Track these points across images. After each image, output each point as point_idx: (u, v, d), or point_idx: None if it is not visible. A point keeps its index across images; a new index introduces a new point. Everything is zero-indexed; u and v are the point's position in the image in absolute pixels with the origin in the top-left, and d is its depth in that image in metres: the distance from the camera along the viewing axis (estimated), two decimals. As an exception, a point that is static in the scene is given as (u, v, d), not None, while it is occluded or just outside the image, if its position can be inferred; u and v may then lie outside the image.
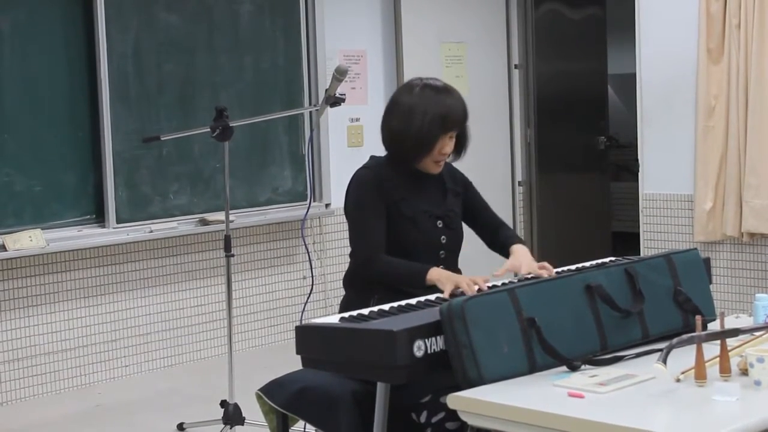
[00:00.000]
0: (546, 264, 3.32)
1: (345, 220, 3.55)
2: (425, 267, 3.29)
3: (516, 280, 3.20)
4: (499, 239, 3.61)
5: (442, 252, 3.47)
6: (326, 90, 4.44)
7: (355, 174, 3.51)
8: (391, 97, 3.58)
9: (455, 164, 3.65)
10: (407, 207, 3.42)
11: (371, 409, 2.93)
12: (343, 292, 3.55)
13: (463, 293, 3.00)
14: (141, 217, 5.70)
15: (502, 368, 2.58)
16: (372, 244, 3.37)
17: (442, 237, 3.48)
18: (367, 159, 3.57)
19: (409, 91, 3.48)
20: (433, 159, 3.43)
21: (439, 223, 3.48)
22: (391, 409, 2.90)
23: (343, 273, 3.57)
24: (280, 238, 6.48)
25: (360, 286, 3.43)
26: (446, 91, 3.45)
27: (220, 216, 5.54)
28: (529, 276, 3.25)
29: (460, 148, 3.54)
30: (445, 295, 3.11)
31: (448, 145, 3.42)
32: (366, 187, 3.42)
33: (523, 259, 3.40)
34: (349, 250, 3.58)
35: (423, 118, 3.37)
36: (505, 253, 3.52)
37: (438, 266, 3.34)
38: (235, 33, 6.10)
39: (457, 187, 3.60)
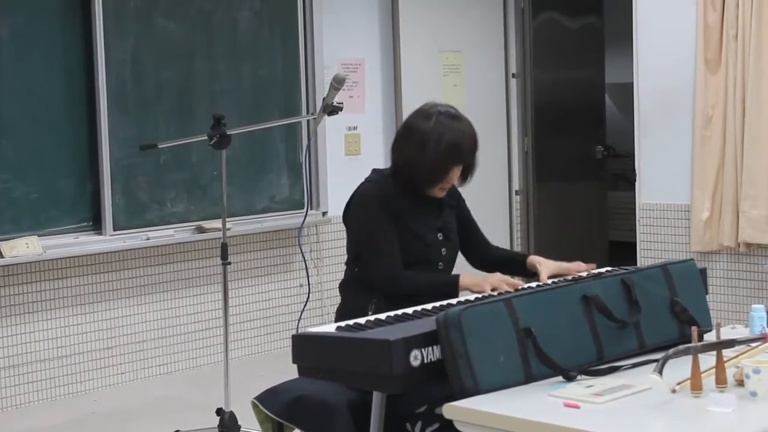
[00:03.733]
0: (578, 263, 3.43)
1: (342, 228, 3.55)
2: (453, 276, 3.37)
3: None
4: (495, 253, 3.69)
5: (440, 263, 3.50)
6: (324, 98, 4.44)
7: (360, 189, 3.51)
8: (405, 121, 3.56)
9: None
10: (412, 221, 3.44)
11: (367, 418, 2.92)
12: (339, 299, 3.56)
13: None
14: (138, 224, 5.69)
15: (498, 378, 2.57)
16: (391, 261, 3.39)
17: (443, 249, 3.51)
18: (365, 168, 3.58)
19: (425, 117, 3.45)
20: (440, 186, 3.45)
21: (440, 236, 3.51)
22: (386, 419, 2.90)
23: (340, 281, 3.57)
24: (276, 246, 6.48)
25: (357, 292, 3.44)
26: (459, 119, 3.45)
27: (217, 224, 5.54)
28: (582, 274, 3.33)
29: (466, 174, 3.55)
30: (487, 292, 3.18)
31: (456, 174, 3.45)
32: (376, 204, 3.42)
33: (560, 264, 3.49)
34: (345, 258, 3.59)
35: (437, 148, 3.37)
36: (516, 266, 3.57)
37: None
38: (233, 41, 6.10)
39: (452, 201, 3.63)
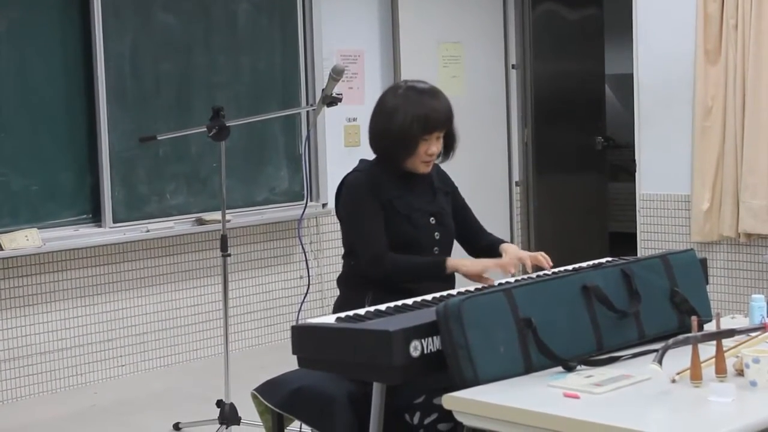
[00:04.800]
0: (542, 253, 3.43)
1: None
2: (441, 257, 3.41)
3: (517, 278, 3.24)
4: (484, 241, 3.69)
5: (436, 248, 3.51)
6: (323, 90, 4.43)
7: (346, 178, 3.54)
8: (378, 98, 3.59)
9: (451, 165, 3.66)
10: (401, 205, 3.45)
11: (367, 409, 2.92)
12: (338, 291, 3.57)
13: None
14: (137, 216, 5.69)
15: (497, 368, 2.57)
16: (377, 244, 3.41)
17: (436, 233, 3.52)
18: (357, 162, 3.59)
19: (393, 92, 3.53)
20: (420, 159, 3.46)
21: (432, 220, 3.52)
22: (385, 409, 2.90)
23: (338, 275, 3.58)
24: (276, 238, 6.48)
25: (354, 285, 3.45)
26: (431, 92, 3.48)
27: (217, 216, 5.54)
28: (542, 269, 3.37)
29: (448, 149, 3.58)
30: (471, 275, 3.29)
31: (434, 145, 3.46)
32: (361, 189, 3.45)
33: (522, 252, 3.50)
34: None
35: (404, 118, 3.41)
36: (494, 252, 3.57)
37: None
38: (232, 33, 6.09)
39: (446, 187, 3.65)
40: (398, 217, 3.44)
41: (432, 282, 3.33)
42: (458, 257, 3.50)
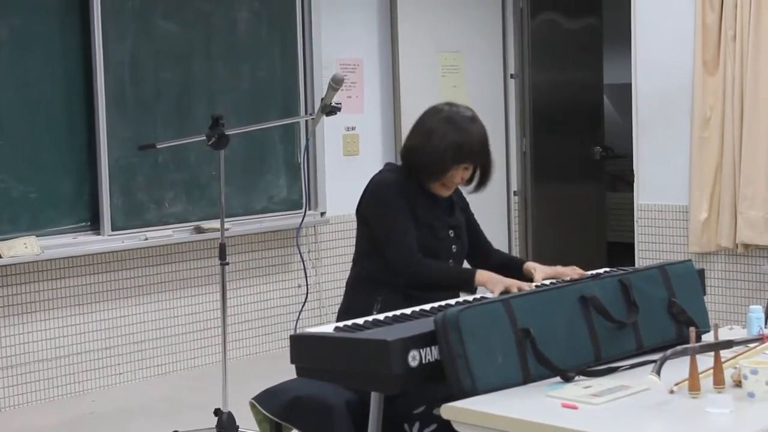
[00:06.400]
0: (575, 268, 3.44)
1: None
2: (470, 269, 3.38)
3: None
4: (495, 259, 3.70)
5: (451, 261, 3.51)
6: (322, 99, 4.44)
7: (376, 177, 3.54)
8: (420, 115, 3.58)
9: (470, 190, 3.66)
10: (424, 215, 3.46)
11: (365, 418, 2.92)
12: (337, 300, 3.56)
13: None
14: (136, 224, 5.69)
15: (496, 378, 2.58)
16: (407, 246, 3.40)
17: (453, 246, 3.53)
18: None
19: (435, 113, 3.50)
20: (443, 183, 3.46)
21: (451, 233, 3.53)
22: (384, 419, 2.90)
23: (339, 281, 3.58)
24: (275, 247, 6.48)
25: (364, 289, 3.44)
26: (471, 121, 3.46)
27: (216, 224, 5.54)
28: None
29: (483, 179, 3.56)
30: (495, 295, 3.17)
31: (460, 175, 3.45)
32: (392, 189, 3.45)
33: (555, 268, 3.49)
34: (348, 256, 3.59)
35: (440, 143, 3.39)
36: (512, 272, 3.56)
37: None
38: (232, 41, 6.10)
39: (461, 203, 3.68)
40: (421, 226, 3.44)
41: (454, 291, 3.31)
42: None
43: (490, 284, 3.28)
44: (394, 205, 3.43)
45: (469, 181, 3.55)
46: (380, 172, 3.57)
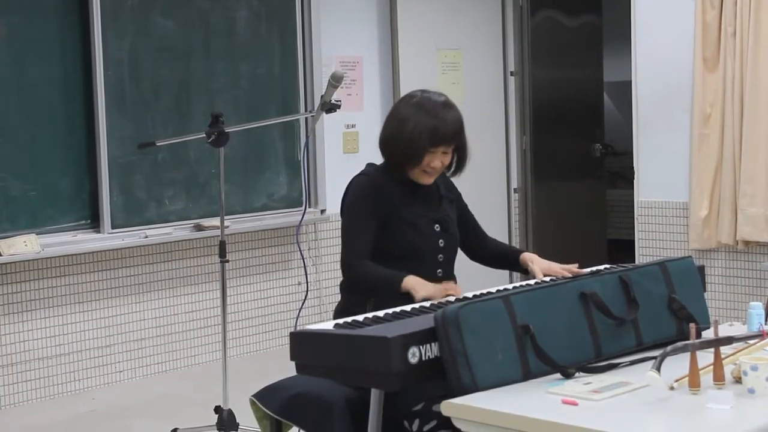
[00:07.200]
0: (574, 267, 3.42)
1: (340, 226, 3.57)
2: (402, 274, 3.32)
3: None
4: (491, 249, 3.71)
5: (440, 255, 3.50)
6: (322, 96, 4.44)
7: (352, 180, 3.55)
8: (393, 105, 3.61)
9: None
10: (406, 212, 3.45)
11: (365, 415, 2.92)
12: (337, 297, 3.57)
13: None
14: (136, 222, 5.69)
15: (496, 375, 2.58)
16: (354, 249, 3.41)
17: (440, 240, 3.51)
18: (363, 166, 3.60)
19: (407, 100, 3.52)
20: (423, 169, 3.45)
21: (437, 227, 3.51)
22: (384, 416, 2.90)
23: (338, 279, 3.58)
24: (275, 244, 6.48)
25: (357, 290, 3.44)
26: (444, 106, 3.46)
27: (215, 221, 5.54)
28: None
29: (459, 164, 3.56)
30: (416, 301, 3.18)
31: (438, 159, 3.44)
32: (361, 194, 3.46)
33: (553, 264, 3.49)
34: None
35: (413, 129, 3.40)
36: (510, 263, 3.60)
37: (437, 270, 3.46)
38: (232, 39, 6.10)
39: (451, 195, 3.65)
40: (403, 224, 3.44)
41: (388, 298, 3.29)
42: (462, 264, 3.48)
43: (413, 290, 3.25)
44: (356, 208, 3.45)
45: (450, 166, 3.55)
46: (358, 174, 3.56)
